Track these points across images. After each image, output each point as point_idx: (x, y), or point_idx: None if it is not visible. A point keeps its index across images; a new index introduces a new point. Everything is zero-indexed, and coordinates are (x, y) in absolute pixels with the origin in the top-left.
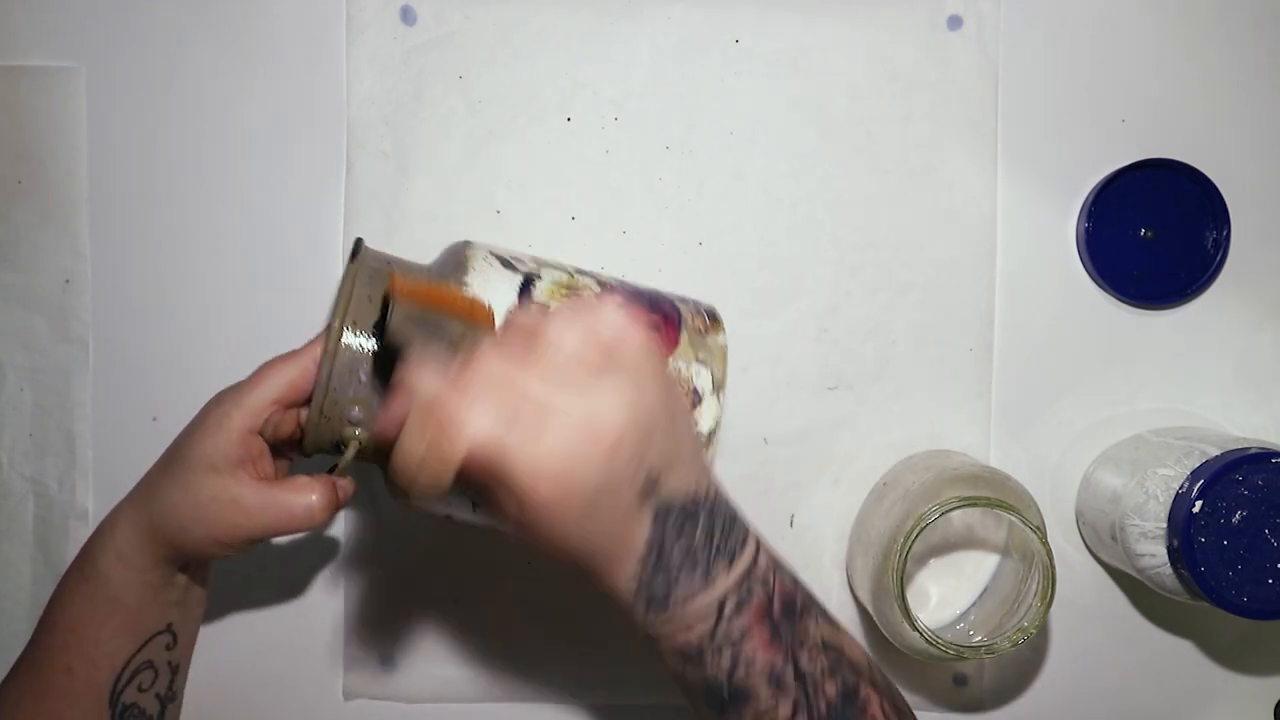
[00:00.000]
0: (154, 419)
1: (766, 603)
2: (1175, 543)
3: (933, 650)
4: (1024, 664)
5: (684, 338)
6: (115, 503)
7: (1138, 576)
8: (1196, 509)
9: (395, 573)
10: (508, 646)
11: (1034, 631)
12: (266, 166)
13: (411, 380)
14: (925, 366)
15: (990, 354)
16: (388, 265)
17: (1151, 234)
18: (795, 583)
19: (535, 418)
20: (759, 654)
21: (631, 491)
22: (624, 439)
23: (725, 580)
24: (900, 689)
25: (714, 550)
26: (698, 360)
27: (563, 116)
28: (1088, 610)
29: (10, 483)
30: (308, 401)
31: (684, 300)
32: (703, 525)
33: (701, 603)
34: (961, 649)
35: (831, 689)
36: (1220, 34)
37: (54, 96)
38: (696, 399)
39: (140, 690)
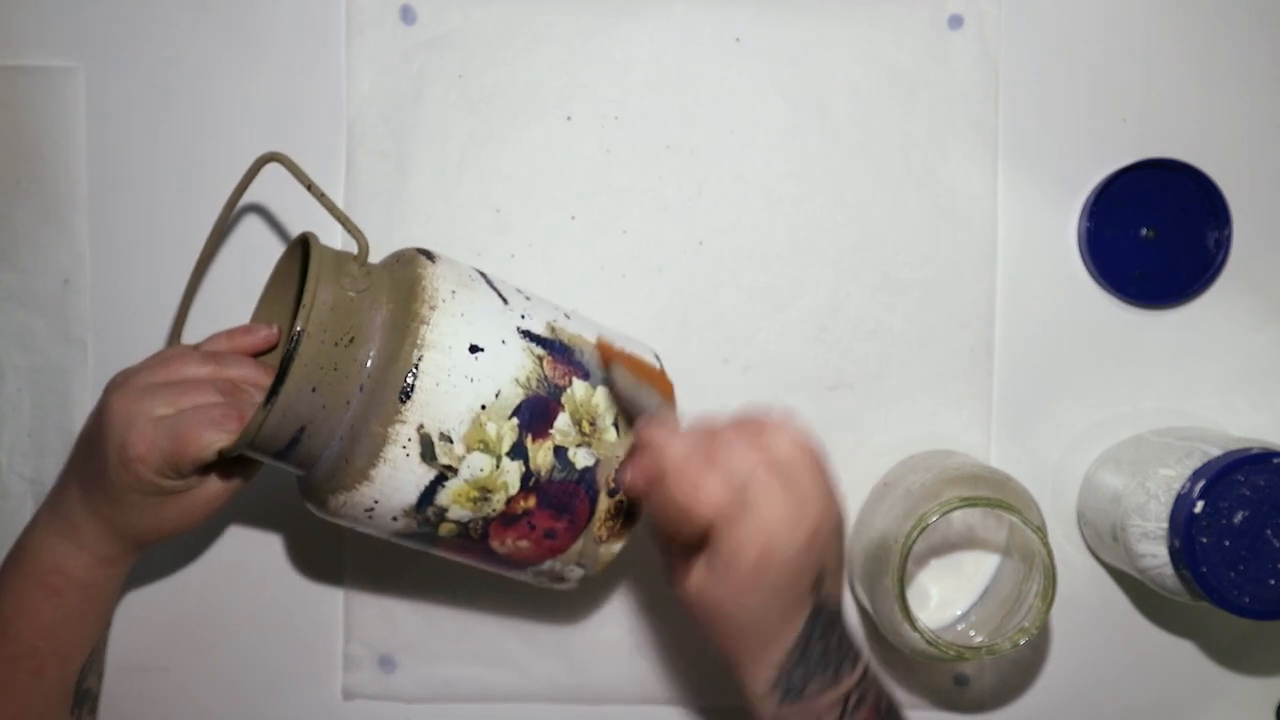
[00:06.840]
0: None
1: (876, 702)
2: (1176, 543)
3: (933, 650)
4: (1025, 664)
5: (578, 545)
6: None
7: (1139, 577)
8: (1198, 509)
9: (395, 573)
10: (507, 646)
11: (1035, 632)
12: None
13: (659, 440)
14: (925, 366)
15: (990, 354)
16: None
17: (1152, 234)
18: (884, 686)
19: (757, 494)
20: None
21: (807, 582)
22: (819, 531)
23: (850, 679)
24: (900, 688)
25: (844, 652)
26: (577, 563)
27: (563, 116)
28: (1089, 610)
29: (9, 483)
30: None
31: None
32: (839, 629)
33: (829, 698)
34: (962, 649)
35: None
36: (1220, 34)
37: (54, 96)
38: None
39: (96, 676)
